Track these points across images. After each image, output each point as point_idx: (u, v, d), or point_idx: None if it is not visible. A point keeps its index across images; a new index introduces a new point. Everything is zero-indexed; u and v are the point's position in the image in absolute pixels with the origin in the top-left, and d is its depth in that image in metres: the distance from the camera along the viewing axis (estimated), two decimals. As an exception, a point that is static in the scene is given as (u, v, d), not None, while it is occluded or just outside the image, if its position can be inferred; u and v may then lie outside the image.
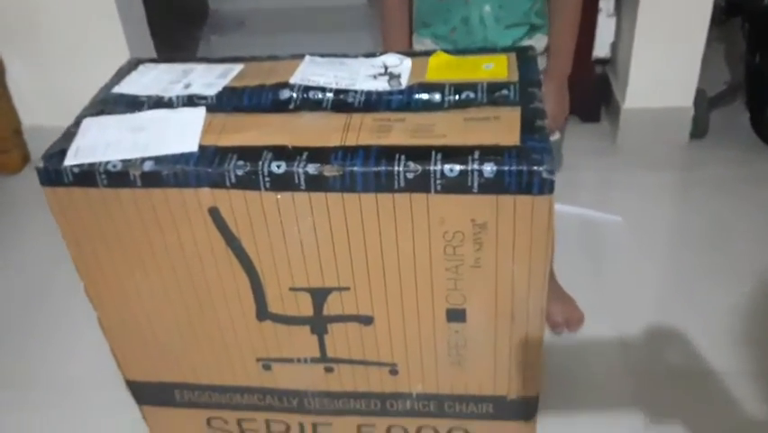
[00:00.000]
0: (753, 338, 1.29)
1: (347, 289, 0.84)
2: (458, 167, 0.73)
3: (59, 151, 0.80)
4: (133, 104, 0.87)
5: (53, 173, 0.78)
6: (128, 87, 0.91)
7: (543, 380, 0.91)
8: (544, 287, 0.81)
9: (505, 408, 0.93)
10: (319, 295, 0.85)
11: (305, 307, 0.86)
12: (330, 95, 0.85)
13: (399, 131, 0.79)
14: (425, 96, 0.83)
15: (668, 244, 1.57)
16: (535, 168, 0.72)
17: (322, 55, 0.94)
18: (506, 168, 0.73)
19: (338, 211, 0.77)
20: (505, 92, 0.83)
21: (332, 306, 0.86)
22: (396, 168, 0.74)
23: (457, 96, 0.83)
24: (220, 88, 0.88)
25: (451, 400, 0.94)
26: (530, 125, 0.77)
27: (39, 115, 1.88)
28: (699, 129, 1.81)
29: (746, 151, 1.80)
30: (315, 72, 0.89)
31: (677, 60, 1.75)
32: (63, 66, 1.80)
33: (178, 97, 0.87)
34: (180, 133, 0.81)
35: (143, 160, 0.78)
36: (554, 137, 1.19)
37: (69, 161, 0.78)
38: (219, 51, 2.28)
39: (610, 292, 1.40)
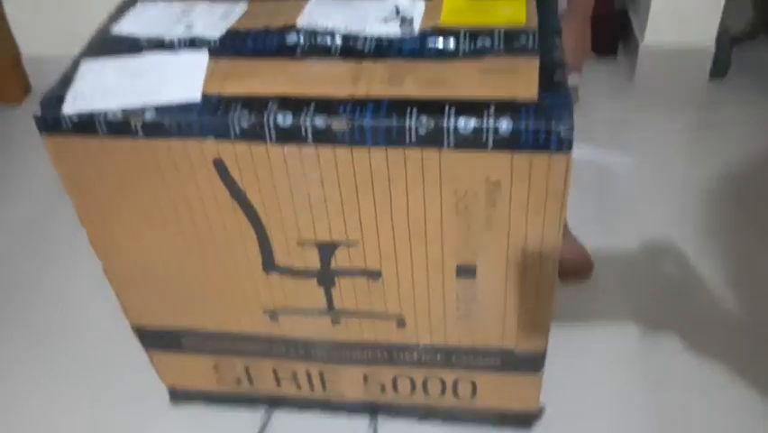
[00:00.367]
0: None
1: (355, 243, 0.82)
2: (472, 123, 0.70)
3: (56, 97, 0.77)
4: (133, 46, 0.83)
5: (51, 121, 0.76)
6: (127, 26, 0.87)
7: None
8: (557, 245, 0.79)
9: (512, 361, 0.93)
10: (326, 249, 0.83)
11: (312, 260, 0.85)
12: (338, 40, 0.80)
13: (411, 82, 0.75)
14: (438, 44, 0.79)
15: (682, 188, 1.53)
16: (553, 125, 0.69)
17: (330, -5, 0.89)
18: (522, 125, 0.69)
19: (347, 165, 0.75)
20: (523, 40, 0.79)
21: (339, 259, 0.84)
22: (407, 122, 0.71)
23: (472, 45, 0.78)
24: (223, 31, 0.83)
25: (458, 352, 0.93)
26: (549, 78, 0.73)
27: (38, 44, 1.82)
28: (719, 69, 1.75)
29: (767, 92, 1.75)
30: (323, 14, 0.85)
31: (700, -5, 1.67)
32: (62, -7, 1.73)
33: (179, 40, 0.83)
34: (182, 78, 0.78)
35: (145, 109, 0.75)
36: (573, 79, 1.14)
37: (68, 108, 0.75)
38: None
39: (620, 237, 1.38)
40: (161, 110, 0.74)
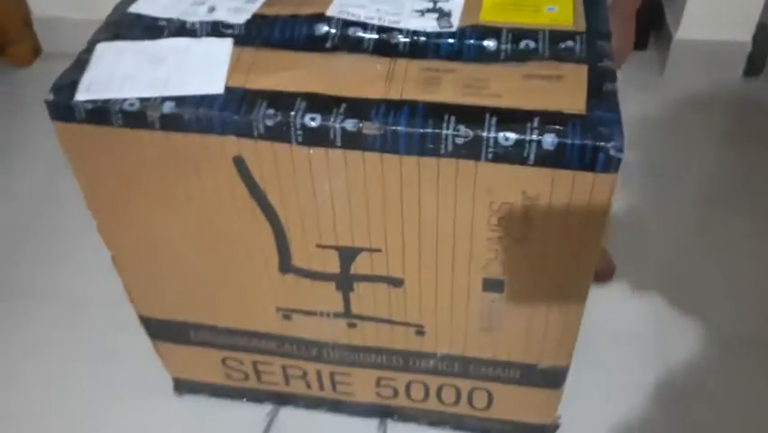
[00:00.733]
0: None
1: (378, 250, 0.78)
2: (514, 135, 0.65)
3: (69, 82, 0.72)
4: (152, 28, 0.78)
5: (63, 108, 0.71)
6: (146, 6, 0.81)
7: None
8: (593, 265, 0.75)
9: (533, 374, 0.89)
10: (347, 254, 0.79)
11: (331, 264, 0.81)
12: (372, 34, 0.75)
13: (449, 84, 0.70)
14: (478, 43, 0.74)
15: (708, 194, 1.48)
16: (602, 144, 0.64)
17: (363, -19, 0.84)
18: (568, 140, 0.65)
19: (375, 171, 0.70)
20: (570, 44, 0.73)
21: (360, 265, 0.80)
22: (444, 130, 0.66)
23: (515, 46, 0.73)
24: (249, 15, 0.78)
25: (476, 362, 0.90)
26: (598, 89, 0.68)
27: (50, 5, 1.76)
28: (754, 66, 1.69)
29: (803, 93, 1.69)
30: (356, 3, 0.79)
31: (740, -11, 1.60)
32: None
33: (201, 23, 0.78)
34: (204, 68, 0.73)
35: (163, 99, 0.70)
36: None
37: (81, 95, 0.71)
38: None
39: (643, 243, 1.34)
40: (181, 102, 0.70)
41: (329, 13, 0.77)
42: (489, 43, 0.74)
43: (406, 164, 0.69)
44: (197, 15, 0.79)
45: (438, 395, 0.97)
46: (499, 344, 0.86)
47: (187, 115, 0.69)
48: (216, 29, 0.77)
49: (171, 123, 0.70)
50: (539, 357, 0.87)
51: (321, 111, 0.68)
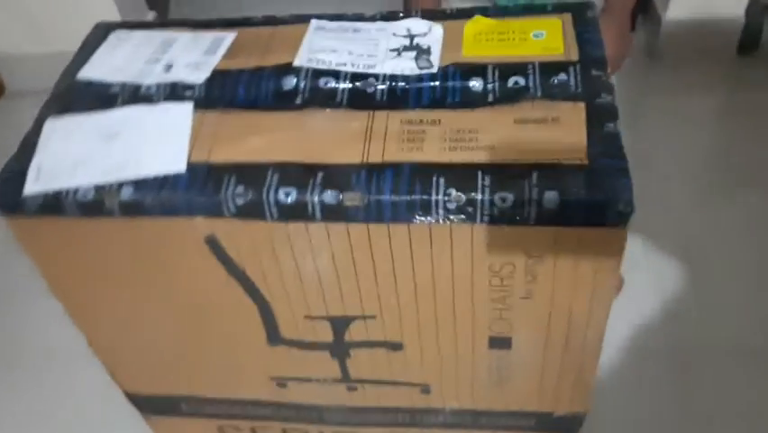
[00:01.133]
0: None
1: (373, 317, 0.72)
2: (511, 196, 0.59)
3: (17, 171, 0.65)
4: (104, 97, 0.71)
5: (13, 202, 0.64)
6: (97, 68, 0.74)
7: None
8: (606, 314, 0.69)
9: (549, 422, 0.84)
10: (340, 323, 0.73)
11: (323, 333, 0.74)
12: (346, 83, 0.68)
13: (435, 139, 0.63)
14: (463, 84, 0.67)
15: (704, 180, 1.41)
16: (609, 199, 0.58)
17: (331, 17, 0.77)
18: (571, 198, 0.58)
19: (362, 242, 0.64)
20: (563, 77, 0.66)
21: (354, 333, 0.74)
22: (434, 196, 0.60)
23: (503, 84, 0.66)
24: (208, 72, 0.71)
25: (488, 415, 0.84)
26: (599, 131, 0.62)
27: (11, 41, 1.68)
28: (748, 43, 1.62)
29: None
30: (325, 46, 0.73)
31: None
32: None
33: (158, 86, 0.71)
34: (163, 142, 0.66)
35: (120, 185, 0.63)
36: None
37: (30, 187, 0.64)
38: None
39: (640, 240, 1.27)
40: (141, 187, 0.63)
41: (297, 62, 0.71)
42: (475, 84, 0.67)
43: (396, 233, 0.62)
44: (153, 76, 0.72)
45: (450, 445, 0.91)
46: (511, 396, 0.81)
47: (149, 201, 0.63)
48: (175, 91, 0.70)
49: (132, 209, 0.63)
50: (554, 406, 0.81)
51: (296, 184, 0.61)
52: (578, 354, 0.73)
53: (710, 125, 1.54)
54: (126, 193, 0.63)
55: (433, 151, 0.62)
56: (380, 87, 0.68)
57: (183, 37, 0.77)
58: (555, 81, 0.66)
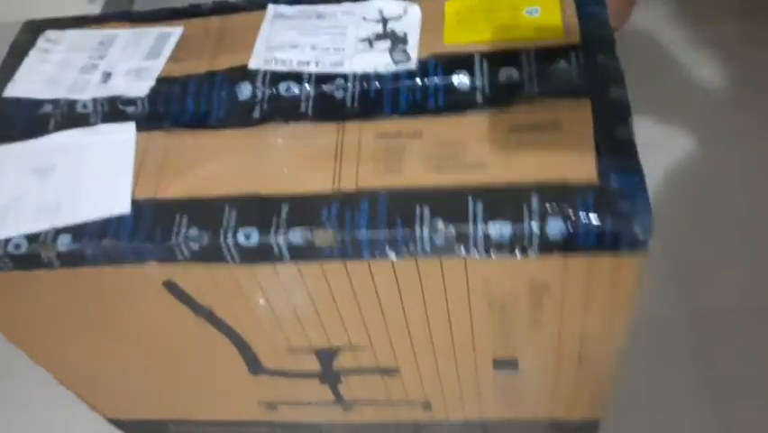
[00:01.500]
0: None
1: (362, 348, 0.64)
2: (509, 227, 0.50)
3: (-62, 221, 0.57)
4: (35, 119, 0.61)
5: (-64, 258, 0.56)
6: (26, 83, 0.65)
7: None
8: (621, 336, 0.61)
9: (561, 428, 0.77)
10: (325, 354, 0.66)
11: (309, 364, 0.67)
12: (309, 88, 0.59)
13: (416, 156, 0.54)
14: (446, 81, 0.57)
15: (721, 132, 1.30)
16: (624, 225, 0.49)
17: (290, 1, 0.66)
18: (580, 225, 0.49)
19: (341, 280, 0.55)
20: (564, 65, 0.56)
21: (343, 361, 0.67)
22: (417, 230, 0.51)
23: (494, 79, 0.57)
24: (152, 81, 0.61)
25: (496, 424, 0.78)
26: (609, 138, 0.52)
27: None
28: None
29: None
30: (284, 41, 0.62)
31: None
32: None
33: (95, 102, 0.61)
34: (104, 175, 0.57)
35: (57, 232, 0.55)
36: None
37: (-47, 240, 0.56)
38: None
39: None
40: (79, 234, 0.54)
41: (252, 64, 0.61)
42: (461, 80, 0.57)
43: (378, 271, 0.54)
44: (89, 89, 0.62)
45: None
46: (520, 407, 0.74)
47: (90, 250, 0.54)
48: (114, 108, 0.61)
49: (72, 260, 0.55)
50: (568, 414, 0.75)
51: (257, 222, 0.53)
52: (593, 366, 0.66)
53: (719, 59, 1.42)
54: (63, 243, 0.54)
55: (414, 172, 0.53)
56: (351, 89, 0.58)
57: (123, 34, 0.67)
58: (554, 73, 0.56)
